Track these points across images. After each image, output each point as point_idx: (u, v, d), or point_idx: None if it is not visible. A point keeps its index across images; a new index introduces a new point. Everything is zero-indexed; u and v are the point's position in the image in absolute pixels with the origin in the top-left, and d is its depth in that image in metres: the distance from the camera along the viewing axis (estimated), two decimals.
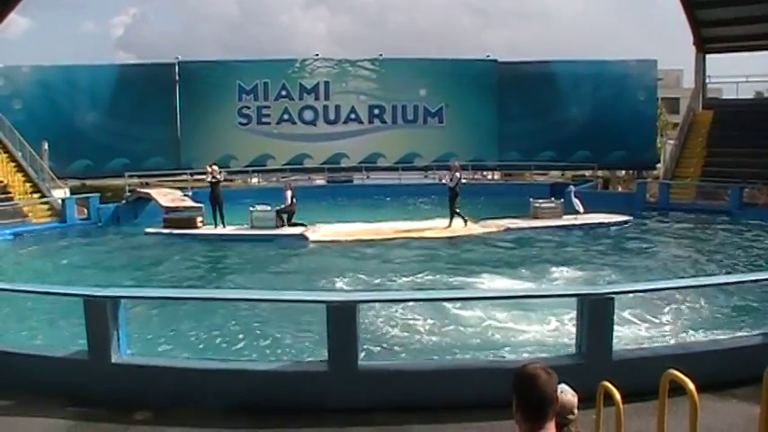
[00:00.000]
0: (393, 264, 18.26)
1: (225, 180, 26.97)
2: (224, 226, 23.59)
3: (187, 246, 21.57)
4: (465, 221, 23.47)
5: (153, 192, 28.03)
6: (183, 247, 21.26)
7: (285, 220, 23.13)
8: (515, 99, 37.24)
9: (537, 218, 25.27)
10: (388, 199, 24.12)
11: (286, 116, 37.32)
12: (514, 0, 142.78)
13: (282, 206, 23.28)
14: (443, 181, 24.06)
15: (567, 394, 3.85)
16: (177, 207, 25.45)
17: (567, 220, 25.24)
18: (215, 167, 24.51)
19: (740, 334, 10.16)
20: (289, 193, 23.45)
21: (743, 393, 7.26)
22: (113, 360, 7.68)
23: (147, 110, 35.08)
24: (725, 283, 11.30)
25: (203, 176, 26.24)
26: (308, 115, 37.59)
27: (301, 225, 23.19)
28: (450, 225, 23.44)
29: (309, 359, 8.82)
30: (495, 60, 38.58)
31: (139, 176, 34.76)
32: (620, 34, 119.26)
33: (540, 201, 26.24)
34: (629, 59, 38.69)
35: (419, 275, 16.12)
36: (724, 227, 25.00)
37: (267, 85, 37.12)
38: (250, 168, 36.56)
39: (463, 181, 24.04)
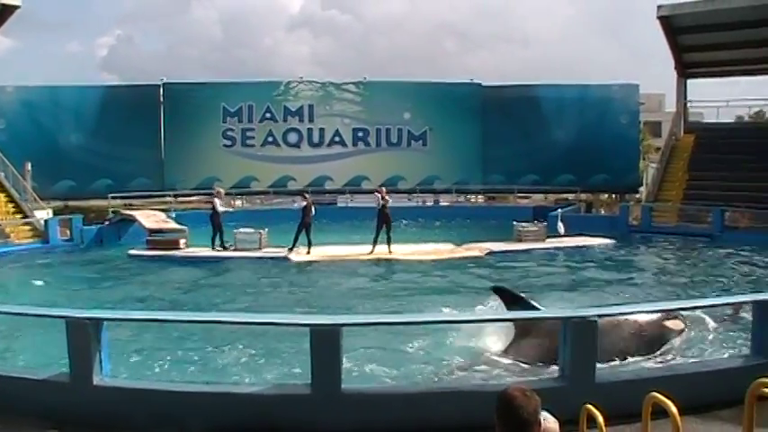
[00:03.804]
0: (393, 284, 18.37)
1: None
2: (223, 248, 23.68)
3: (171, 267, 21.52)
4: (373, 247, 23.27)
5: (136, 213, 27.93)
6: (166, 269, 21.20)
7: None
8: (499, 122, 37.38)
9: (520, 241, 25.38)
10: (375, 222, 24.12)
11: (270, 138, 37.34)
12: (497, 24, 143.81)
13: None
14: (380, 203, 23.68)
15: (548, 422, 3.86)
16: (161, 229, 25.38)
17: (551, 243, 25.36)
18: (221, 191, 24.90)
19: (723, 355, 10.20)
20: (304, 203, 23.51)
21: (726, 415, 7.29)
22: (95, 382, 7.62)
23: (132, 131, 34.95)
24: (708, 306, 11.34)
25: (190, 198, 26.36)
26: (293, 138, 37.61)
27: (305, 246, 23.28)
28: (372, 251, 23.14)
29: (293, 382, 8.77)
30: (479, 84, 38.76)
31: (123, 198, 34.61)
32: (603, 58, 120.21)
33: (524, 224, 26.35)
34: (611, 83, 38.97)
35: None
36: (706, 250, 25.16)
37: (252, 107, 37.13)
38: (234, 190, 36.57)
39: (388, 202, 23.84)
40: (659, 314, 10.81)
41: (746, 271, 20.54)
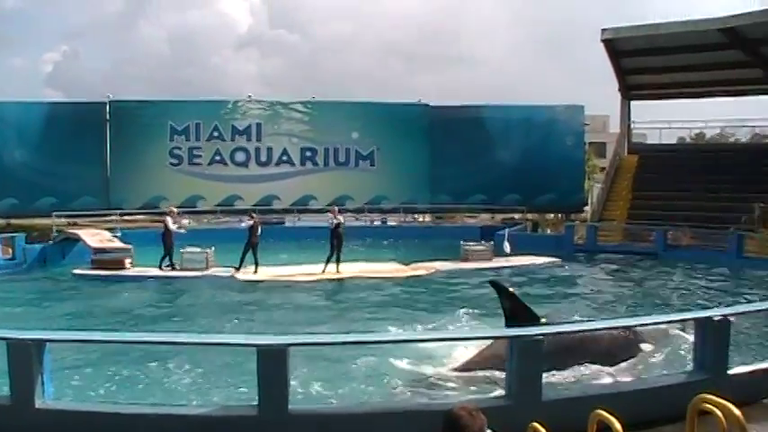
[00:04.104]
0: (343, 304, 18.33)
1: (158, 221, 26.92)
2: (171, 268, 23.50)
3: (116, 287, 21.20)
4: (338, 266, 23.35)
5: (81, 232, 27.52)
6: (111, 289, 20.90)
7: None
8: (446, 143, 37.54)
9: (467, 260, 25.55)
10: (323, 241, 24.10)
11: (218, 157, 37.04)
12: (444, 45, 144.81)
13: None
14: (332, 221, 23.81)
15: None
16: (106, 248, 25.05)
17: (497, 262, 25.57)
18: (174, 210, 25.19)
19: (666, 372, 10.36)
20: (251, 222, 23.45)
21: (670, 430, 7.40)
22: (37, 405, 7.47)
23: (77, 148, 34.34)
24: (651, 323, 11.51)
25: (136, 217, 26.08)
26: (240, 157, 37.38)
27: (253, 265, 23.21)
28: (338, 269, 23.27)
29: (239, 404, 8.70)
30: (427, 104, 38.99)
31: (67, 216, 34.03)
32: (549, 80, 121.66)
33: (471, 243, 26.55)
34: (557, 105, 39.47)
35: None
36: (648, 268, 25.61)
37: (199, 125, 36.80)
38: (181, 209, 36.17)
39: (343, 223, 24.06)
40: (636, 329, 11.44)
41: (686, 288, 20.94)
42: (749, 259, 25.97)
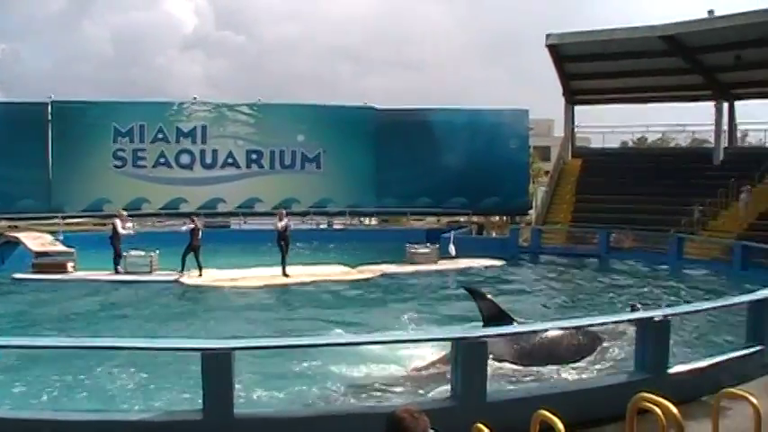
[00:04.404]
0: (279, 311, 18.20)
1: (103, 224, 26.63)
2: (116, 271, 23.27)
3: (58, 291, 20.85)
4: (284, 269, 23.25)
5: (21, 235, 27.07)
6: (53, 293, 20.54)
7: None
8: (393, 146, 37.58)
9: (413, 263, 25.66)
10: (269, 244, 24.03)
11: (162, 159, 36.55)
12: (391, 48, 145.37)
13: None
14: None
15: None
16: (47, 251, 24.64)
17: (443, 264, 25.75)
18: (123, 213, 25.14)
19: (607, 373, 10.54)
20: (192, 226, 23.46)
21: (611, 429, 7.52)
22: None
23: (17, 150, 33.49)
24: (590, 324, 11.70)
25: (79, 220, 25.69)
26: (185, 159, 36.93)
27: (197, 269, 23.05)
28: (287, 273, 23.21)
29: (184, 408, 8.63)
30: (373, 107, 38.91)
31: (8, 219, 33.39)
32: (495, 84, 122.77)
33: (416, 246, 26.68)
34: (502, 108, 39.54)
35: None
36: (590, 270, 26.03)
37: (143, 127, 36.23)
38: (125, 212, 35.70)
39: (291, 226, 24.13)
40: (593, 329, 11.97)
41: (627, 289, 21.26)
42: (689, 260, 26.58)
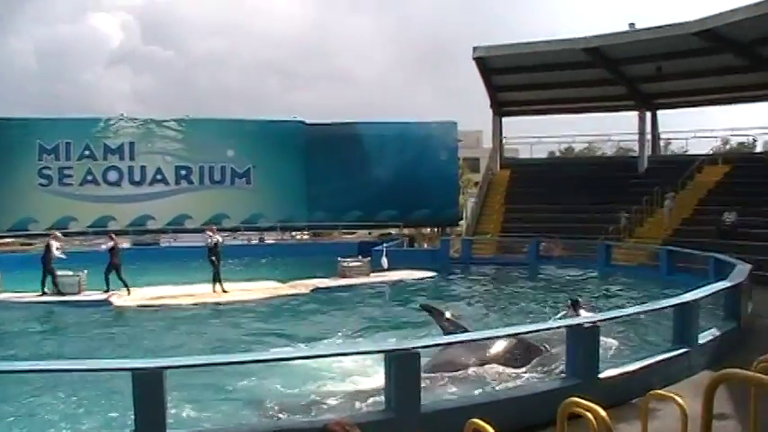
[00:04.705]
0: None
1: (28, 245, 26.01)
2: (43, 292, 22.62)
3: None
4: (215, 286, 22.90)
5: None
6: None
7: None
8: (323, 160, 37.63)
9: (345, 276, 25.62)
10: (200, 261, 23.78)
11: (89, 177, 35.93)
12: (321, 63, 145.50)
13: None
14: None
15: None
16: None
17: (375, 277, 25.76)
18: (59, 234, 24.63)
19: (539, 380, 10.65)
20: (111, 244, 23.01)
21: None
22: None
23: None
24: (525, 332, 11.81)
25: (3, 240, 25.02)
26: (113, 176, 36.37)
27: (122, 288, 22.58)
28: (218, 290, 22.82)
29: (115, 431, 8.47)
30: (303, 121, 38.90)
31: None
32: (423, 97, 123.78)
33: (348, 259, 26.64)
34: (431, 121, 40.04)
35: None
36: (520, 278, 26.38)
37: (69, 144, 35.61)
38: (50, 232, 34.97)
39: (221, 241, 23.95)
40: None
41: (557, 296, 21.50)
42: (617, 267, 27.10)
